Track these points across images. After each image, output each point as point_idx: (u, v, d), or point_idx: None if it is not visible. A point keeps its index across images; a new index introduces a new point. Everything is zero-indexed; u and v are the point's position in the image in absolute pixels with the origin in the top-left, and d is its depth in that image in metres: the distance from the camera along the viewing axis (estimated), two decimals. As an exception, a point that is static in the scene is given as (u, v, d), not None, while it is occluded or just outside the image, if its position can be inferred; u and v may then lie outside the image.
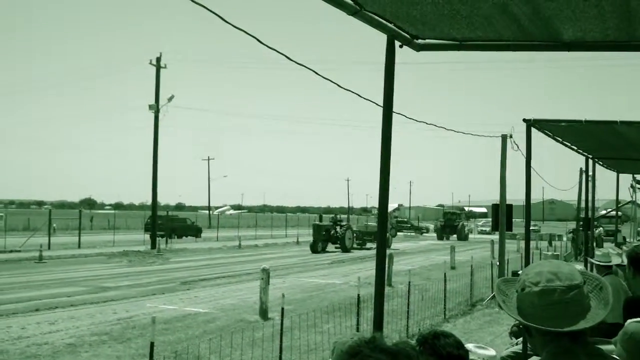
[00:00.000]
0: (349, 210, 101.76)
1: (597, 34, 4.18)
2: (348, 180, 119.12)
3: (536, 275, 2.33)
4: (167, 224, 51.88)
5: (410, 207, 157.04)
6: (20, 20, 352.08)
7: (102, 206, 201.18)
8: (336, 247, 42.91)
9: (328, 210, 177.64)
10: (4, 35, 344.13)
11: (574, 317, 2.24)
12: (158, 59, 46.05)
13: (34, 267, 29.48)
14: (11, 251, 37.26)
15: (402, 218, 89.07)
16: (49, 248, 38.40)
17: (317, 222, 44.36)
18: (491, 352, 4.05)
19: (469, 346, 3.52)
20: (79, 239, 43.88)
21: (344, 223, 45.22)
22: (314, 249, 41.48)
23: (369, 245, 46.81)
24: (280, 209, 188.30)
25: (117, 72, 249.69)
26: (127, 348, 12.75)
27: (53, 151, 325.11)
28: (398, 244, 51.48)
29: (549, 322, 2.26)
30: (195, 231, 60.02)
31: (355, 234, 46.55)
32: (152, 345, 8.16)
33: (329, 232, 43.39)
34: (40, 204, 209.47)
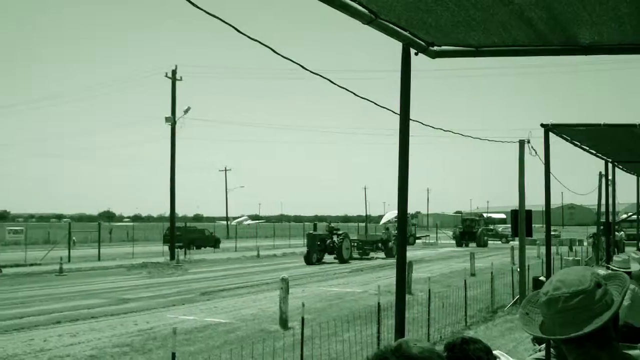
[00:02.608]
0: (367, 219, 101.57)
1: (614, 37, 4.15)
2: (365, 189, 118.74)
3: (548, 284, 2.31)
4: (185, 235, 52.07)
5: (428, 214, 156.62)
6: (37, 34, 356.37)
7: (120, 218, 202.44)
8: (334, 258, 40.60)
9: (346, 218, 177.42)
10: (23, 49, 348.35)
11: (580, 324, 2.22)
12: (174, 72, 46.38)
13: (55, 279, 29.70)
14: (32, 264, 37.60)
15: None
16: (69, 261, 38.67)
17: (312, 232, 42.15)
18: None
19: None
20: (99, 251, 44.20)
21: (340, 232, 42.49)
22: (308, 260, 38.94)
23: (371, 254, 45.50)
24: (298, 219, 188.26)
25: (134, 85, 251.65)
26: (149, 359, 12.80)
27: (71, 164, 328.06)
28: (417, 251, 51.27)
29: (557, 331, 2.25)
30: (213, 242, 60.21)
31: (355, 244, 44.97)
32: (173, 356, 8.18)
33: (325, 241, 40.90)
34: (59, 217, 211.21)
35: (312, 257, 39.17)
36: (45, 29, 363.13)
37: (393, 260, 35.53)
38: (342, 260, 40.09)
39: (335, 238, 41.36)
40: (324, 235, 41.69)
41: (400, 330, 4.59)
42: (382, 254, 45.52)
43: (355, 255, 43.97)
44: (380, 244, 46.81)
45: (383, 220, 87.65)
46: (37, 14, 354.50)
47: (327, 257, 40.67)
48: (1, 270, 32.83)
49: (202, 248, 57.01)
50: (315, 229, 43.81)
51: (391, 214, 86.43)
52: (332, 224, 45.75)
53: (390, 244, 45.66)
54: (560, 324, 2.24)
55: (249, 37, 4.62)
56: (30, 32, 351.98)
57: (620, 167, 15.96)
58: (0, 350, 13.65)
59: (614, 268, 7.32)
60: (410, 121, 4.62)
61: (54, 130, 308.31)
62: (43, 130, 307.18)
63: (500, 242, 66.81)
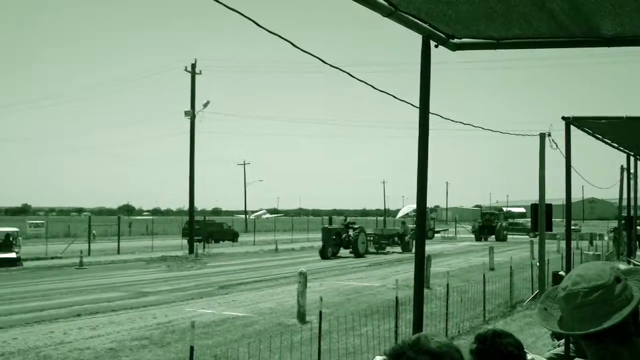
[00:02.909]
0: (385, 213, 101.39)
1: (637, 28, 4.09)
2: (384, 183, 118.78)
3: (567, 279, 2.30)
4: (204, 229, 52.26)
5: (447, 208, 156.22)
6: (55, 30, 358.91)
7: (140, 212, 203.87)
8: (350, 252, 40.14)
9: (364, 212, 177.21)
10: (42, 45, 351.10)
11: (599, 319, 2.19)
12: (193, 66, 46.48)
13: (75, 273, 29.95)
14: (52, 258, 37.93)
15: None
16: (89, 254, 38.99)
17: (327, 226, 41.63)
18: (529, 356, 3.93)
19: None
20: (118, 244, 44.51)
21: (356, 226, 41.84)
22: (324, 254, 38.43)
23: (387, 249, 44.96)
24: (316, 212, 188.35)
25: (153, 79, 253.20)
26: (167, 352, 12.87)
27: (91, 159, 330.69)
28: (436, 245, 51.09)
29: (576, 326, 2.22)
30: (232, 235, 60.36)
31: (371, 238, 44.58)
32: (191, 349, 8.21)
33: (340, 235, 40.42)
34: (79, 211, 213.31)
35: (328, 251, 38.82)
36: (47, 29, 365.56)
37: (411, 255, 35.37)
38: (358, 255, 39.75)
39: (350, 232, 40.91)
40: (340, 229, 41.24)
41: (418, 325, 4.57)
42: (398, 249, 45.28)
43: (372, 250, 43.55)
44: (396, 239, 46.51)
45: (400, 214, 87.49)
46: (37, 14, 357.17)
47: (343, 252, 40.42)
48: (22, 263, 33.17)
49: (221, 242, 57.19)
50: (330, 222, 43.29)
51: (408, 207, 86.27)
52: (349, 218, 45.36)
53: (406, 238, 45.38)
54: (579, 319, 2.22)
55: (268, 30, 4.60)
56: (31, 32, 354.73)
57: (642, 161, 15.78)
58: (21, 343, 13.79)
59: (636, 262, 7.24)
60: (430, 114, 4.59)
61: (73, 126, 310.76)
62: (63, 126, 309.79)
63: (527, 236, 65.79)
